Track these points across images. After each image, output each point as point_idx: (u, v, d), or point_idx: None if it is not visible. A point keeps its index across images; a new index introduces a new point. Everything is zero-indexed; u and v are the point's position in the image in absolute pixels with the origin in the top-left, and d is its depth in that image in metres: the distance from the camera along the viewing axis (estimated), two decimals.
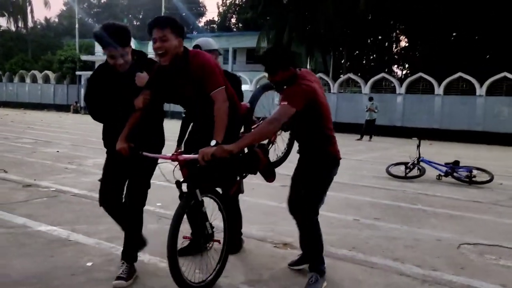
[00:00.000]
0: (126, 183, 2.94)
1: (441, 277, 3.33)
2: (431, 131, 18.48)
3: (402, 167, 8.01)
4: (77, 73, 31.25)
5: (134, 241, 3.02)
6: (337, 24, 24.62)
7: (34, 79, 33.79)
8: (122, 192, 2.94)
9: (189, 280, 2.68)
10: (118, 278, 2.84)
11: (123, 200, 2.98)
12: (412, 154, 8.34)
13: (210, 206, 2.93)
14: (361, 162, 10.44)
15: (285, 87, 2.86)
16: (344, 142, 15.70)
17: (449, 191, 6.98)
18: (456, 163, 7.83)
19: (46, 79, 33.23)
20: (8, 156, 8.49)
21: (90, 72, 28.90)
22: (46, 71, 33.03)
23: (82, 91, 31.03)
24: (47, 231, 3.99)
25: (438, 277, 3.32)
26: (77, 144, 11.11)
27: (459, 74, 19.02)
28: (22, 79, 34.42)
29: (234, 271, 3.23)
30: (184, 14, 56.58)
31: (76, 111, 30.03)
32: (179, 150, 2.80)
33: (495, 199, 6.51)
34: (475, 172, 7.62)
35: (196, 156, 2.47)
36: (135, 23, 60.60)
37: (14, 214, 4.49)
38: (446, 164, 7.87)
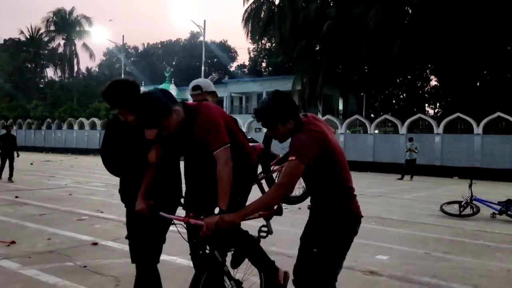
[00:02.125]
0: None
1: None
2: (472, 170, 18.64)
3: (456, 206, 8.45)
4: None
5: None
6: (370, 66, 25.53)
7: (81, 126, 35.82)
8: (158, 248, 2.78)
9: None
10: None
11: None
12: (458, 193, 8.77)
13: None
14: (411, 200, 10.87)
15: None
16: (387, 182, 16.17)
17: (507, 228, 7.39)
18: (510, 201, 8.23)
19: (93, 126, 35.17)
20: (93, 199, 9.40)
21: None
22: (93, 118, 35.02)
23: None
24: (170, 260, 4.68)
25: None
26: None
27: (498, 113, 19.33)
28: (70, 126, 36.52)
29: None
30: (216, 60, 59.14)
31: None
32: (191, 214, 2.54)
33: None
34: None
35: (200, 222, 2.39)
36: (168, 68, 63.57)
37: None
38: (500, 203, 8.27)
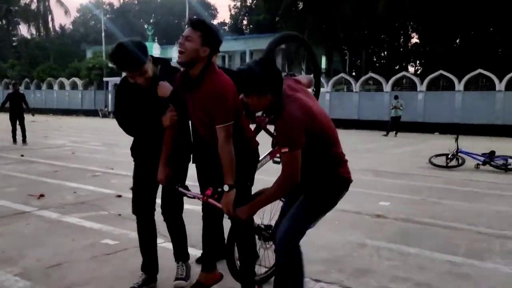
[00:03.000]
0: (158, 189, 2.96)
1: (507, 235, 4.41)
2: (453, 125, 19.41)
3: (443, 158, 9.07)
4: (105, 79, 32.55)
5: (184, 241, 3.08)
6: (355, 25, 25.68)
7: (61, 86, 35.17)
8: (154, 201, 2.96)
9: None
10: (178, 278, 2.93)
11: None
12: (441, 147, 9.42)
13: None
14: (399, 155, 11.49)
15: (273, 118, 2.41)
16: (373, 139, 16.80)
17: (491, 177, 8.05)
18: (492, 153, 8.88)
19: (73, 86, 34.58)
20: (97, 157, 9.66)
21: (118, 78, 29.58)
22: (74, 78, 34.38)
23: (110, 96, 32.34)
24: None
25: (504, 235, 4.40)
26: None
27: (479, 70, 19.96)
28: (50, 86, 35.80)
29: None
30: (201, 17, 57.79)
31: (104, 115, 31.33)
32: (208, 193, 2.54)
33: None
34: (510, 160, 8.67)
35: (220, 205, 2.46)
36: (146, 26, 61.94)
37: None
38: (483, 154, 8.92)
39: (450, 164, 8.93)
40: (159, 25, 59.96)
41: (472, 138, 17.74)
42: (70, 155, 9.80)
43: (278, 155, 2.93)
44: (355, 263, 3.53)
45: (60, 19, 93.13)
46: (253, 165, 2.72)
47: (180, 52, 2.40)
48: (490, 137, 17.89)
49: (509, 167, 8.60)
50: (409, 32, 37.40)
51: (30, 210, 4.88)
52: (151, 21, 63.52)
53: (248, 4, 52.11)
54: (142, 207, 2.90)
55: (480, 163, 8.89)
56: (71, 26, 64.31)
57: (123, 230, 4.18)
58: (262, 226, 2.80)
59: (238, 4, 53.74)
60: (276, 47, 3.20)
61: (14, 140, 11.79)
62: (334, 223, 4.46)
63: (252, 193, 2.69)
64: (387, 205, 5.57)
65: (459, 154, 9.06)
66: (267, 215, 2.89)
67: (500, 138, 17.45)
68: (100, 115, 31.52)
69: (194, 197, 2.64)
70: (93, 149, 11.11)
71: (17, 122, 11.81)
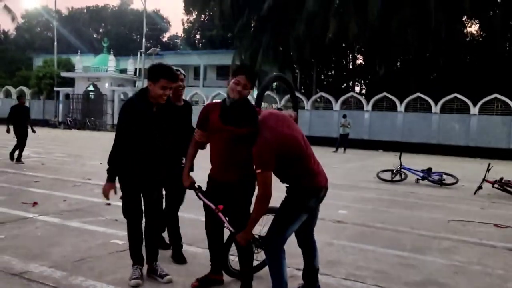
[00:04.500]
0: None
1: (444, 236, 5.46)
2: (394, 143, 21.15)
3: (389, 173, 10.27)
4: (56, 89, 31.95)
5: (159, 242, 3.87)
6: (306, 46, 27.21)
7: (8, 95, 34.02)
8: (141, 207, 3.50)
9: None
10: (166, 275, 3.50)
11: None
12: (386, 163, 10.64)
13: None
14: (349, 170, 12.69)
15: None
16: (323, 154, 17.96)
17: (428, 190, 9.30)
18: (430, 169, 10.20)
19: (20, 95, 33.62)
20: (68, 168, 9.96)
21: (69, 88, 28.72)
22: (22, 87, 33.42)
23: (61, 106, 31.77)
24: None
25: (441, 236, 5.45)
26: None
27: (418, 94, 21.96)
28: None
29: None
30: (148, 30, 57.83)
31: (54, 125, 30.72)
32: (220, 207, 3.11)
33: (461, 195, 8.86)
34: (444, 176, 10.01)
35: (229, 227, 3.10)
36: (95, 36, 60.89)
37: None
38: (422, 171, 10.21)
39: (394, 179, 10.13)
40: (109, 35, 59.19)
41: (412, 155, 19.43)
42: (41, 166, 10.04)
43: None
44: (327, 256, 4.37)
45: (4, 25, 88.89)
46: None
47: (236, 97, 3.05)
48: (427, 155, 19.70)
49: (443, 182, 9.93)
50: (355, 54, 39.93)
51: (31, 216, 5.33)
52: (101, 30, 62.58)
53: (202, 19, 52.89)
54: (134, 214, 3.46)
55: (420, 178, 10.17)
56: (14, 32, 61.81)
57: (125, 232, 4.74)
58: (257, 236, 3.22)
59: (192, 18, 54.36)
60: (269, 85, 3.99)
61: (12, 157, 10.48)
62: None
63: None
64: (345, 213, 6.51)
65: (402, 169, 10.29)
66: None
67: (435, 156, 19.30)
68: (51, 125, 30.86)
69: (208, 205, 3.15)
70: (62, 160, 11.36)
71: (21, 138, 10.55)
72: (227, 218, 3.10)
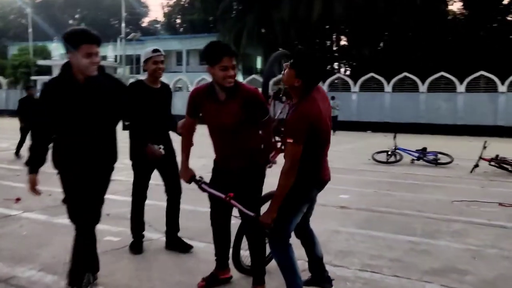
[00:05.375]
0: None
1: (452, 218, 5.26)
2: (383, 124, 21.04)
3: (384, 155, 10.07)
4: (32, 78, 30.87)
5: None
6: (292, 28, 26.79)
7: None
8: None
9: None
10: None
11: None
12: (377, 144, 10.45)
13: None
14: (342, 152, 12.42)
15: (288, 102, 2.90)
16: None
17: (424, 170, 9.13)
18: (425, 149, 10.03)
19: None
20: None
21: (46, 77, 28.13)
22: None
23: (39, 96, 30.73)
24: None
25: (448, 219, 5.25)
26: None
27: (405, 73, 21.80)
28: None
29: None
30: (126, 14, 56.41)
31: None
32: (231, 195, 2.78)
33: (459, 174, 8.71)
34: (439, 155, 9.85)
35: (247, 212, 2.76)
36: (71, 22, 59.18)
37: None
38: (417, 151, 10.04)
39: (390, 160, 9.94)
40: (85, 21, 57.53)
41: (401, 136, 19.40)
42: (13, 158, 9.56)
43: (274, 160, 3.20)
44: (336, 246, 4.12)
45: None
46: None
47: (231, 82, 2.77)
48: (416, 135, 19.62)
49: (438, 161, 9.77)
50: (339, 35, 39.58)
51: (15, 213, 4.96)
52: (76, 16, 60.81)
53: (182, 2, 51.72)
54: (86, 216, 2.85)
55: (415, 158, 10.00)
56: None
57: (120, 228, 4.44)
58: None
59: (171, 2, 53.16)
60: (275, 63, 3.66)
61: (17, 153, 9.73)
62: None
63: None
64: (347, 197, 6.27)
65: (397, 150, 10.10)
66: None
67: (424, 135, 19.24)
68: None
69: (215, 195, 2.82)
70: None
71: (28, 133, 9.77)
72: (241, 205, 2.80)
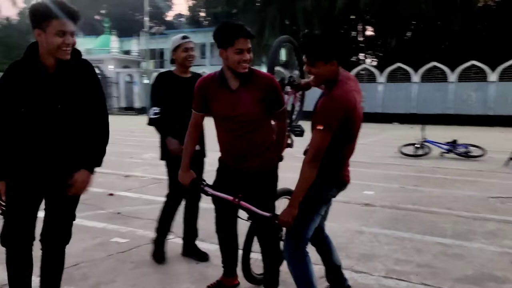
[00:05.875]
0: None
1: (486, 217, 4.84)
2: (409, 115, 20.39)
3: (411, 147, 9.60)
4: None
5: (60, 278, 2.50)
6: (315, 19, 26.20)
7: None
8: (34, 226, 2.33)
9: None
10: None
11: None
12: (404, 137, 9.96)
13: None
14: (367, 145, 11.98)
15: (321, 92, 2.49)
16: None
17: (455, 164, 8.64)
18: (455, 141, 9.51)
19: None
20: None
21: None
22: None
23: None
24: None
25: (482, 217, 4.83)
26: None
27: (433, 63, 21.01)
28: None
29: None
30: (151, 9, 56.80)
31: None
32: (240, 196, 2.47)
33: (492, 168, 8.19)
34: (471, 148, 9.32)
35: (262, 212, 2.41)
36: (97, 17, 59.99)
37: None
38: (447, 143, 9.52)
39: (418, 153, 9.47)
40: (111, 16, 58.27)
41: (429, 127, 18.72)
42: None
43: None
44: (359, 249, 3.79)
45: (6, 11, 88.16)
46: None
47: (246, 67, 2.44)
48: (444, 126, 18.93)
49: (469, 154, 9.24)
50: (364, 25, 38.64)
51: None
52: (103, 11, 61.57)
53: None
54: (20, 237, 2.27)
55: (445, 151, 9.49)
56: (18, 18, 61.21)
57: (129, 228, 4.24)
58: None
59: None
60: (279, 48, 3.27)
61: None
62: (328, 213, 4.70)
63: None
64: (371, 193, 5.91)
65: (425, 143, 9.61)
66: None
67: (453, 127, 18.53)
68: None
69: (223, 198, 2.50)
70: None
71: None
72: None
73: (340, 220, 4.61)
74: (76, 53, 2.17)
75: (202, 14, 54.65)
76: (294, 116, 3.20)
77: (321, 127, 2.22)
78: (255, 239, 2.81)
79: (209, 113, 2.57)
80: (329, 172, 2.41)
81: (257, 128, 2.51)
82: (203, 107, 2.59)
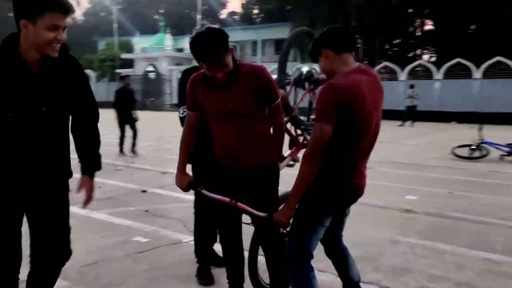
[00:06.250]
0: None
1: None
2: (469, 114, 19.13)
3: (466, 149, 8.91)
4: (117, 71, 32.66)
5: None
6: (368, 14, 25.35)
7: None
8: (20, 248, 2.07)
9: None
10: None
11: None
12: (461, 137, 9.24)
13: None
14: (417, 146, 11.33)
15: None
16: (389, 129, 16.56)
17: None
18: None
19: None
20: (115, 150, 9.49)
21: (129, 70, 29.40)
22: (87, 70, 34.61)
23: None
24: None
25: None
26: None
27: (498, 58, 19.59)
28: None
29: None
30: (205, 7, 57.60)
31: None
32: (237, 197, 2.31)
33: None
34: None
35: (257, 213, 2.23)
36: (156, 17, 61.81)
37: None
38: (508, 145, 8.74)
39: (473, 155, 8.77)
40: (169, 16, 59.87)
41: (491, 127, 17.47)
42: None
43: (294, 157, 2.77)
44: (391, 261, 3.47)
45: None
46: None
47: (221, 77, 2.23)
48: (508, 126, 17.59)
49: None
50: (423, 19, 36.86)
51: None
52: (161, 11, 63.42)
53: None
54: (5, 258, 2.00)
55: (505, 154, 8.73)
56: (83, 18, 64.49)
57: (153, 227, 4.17)
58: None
59: None
60: (295, 40, 3.03)
61: (121, 150, 9.16)
62: (362, 218, 4.38)
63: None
64: (415, 199, 5.48)
65: (483, 144, 8.89)
66: None
67: None
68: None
69: (220, 200, 2.34)
70: (111, 142, 11.11)
71: (127, 127, 9.22)
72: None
73: (374, 227, 4.29)
74: (63, 48, 1.91)
75: (255, 11, 54.79)
76: (312, 116, 2.94)
77: (317, 117, 2.02)
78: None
79: (203, 112, 2.39)
80: (332, 176, 2.11)
81: (253, 122, 2.32)
82: (194, 106, 2.42)
